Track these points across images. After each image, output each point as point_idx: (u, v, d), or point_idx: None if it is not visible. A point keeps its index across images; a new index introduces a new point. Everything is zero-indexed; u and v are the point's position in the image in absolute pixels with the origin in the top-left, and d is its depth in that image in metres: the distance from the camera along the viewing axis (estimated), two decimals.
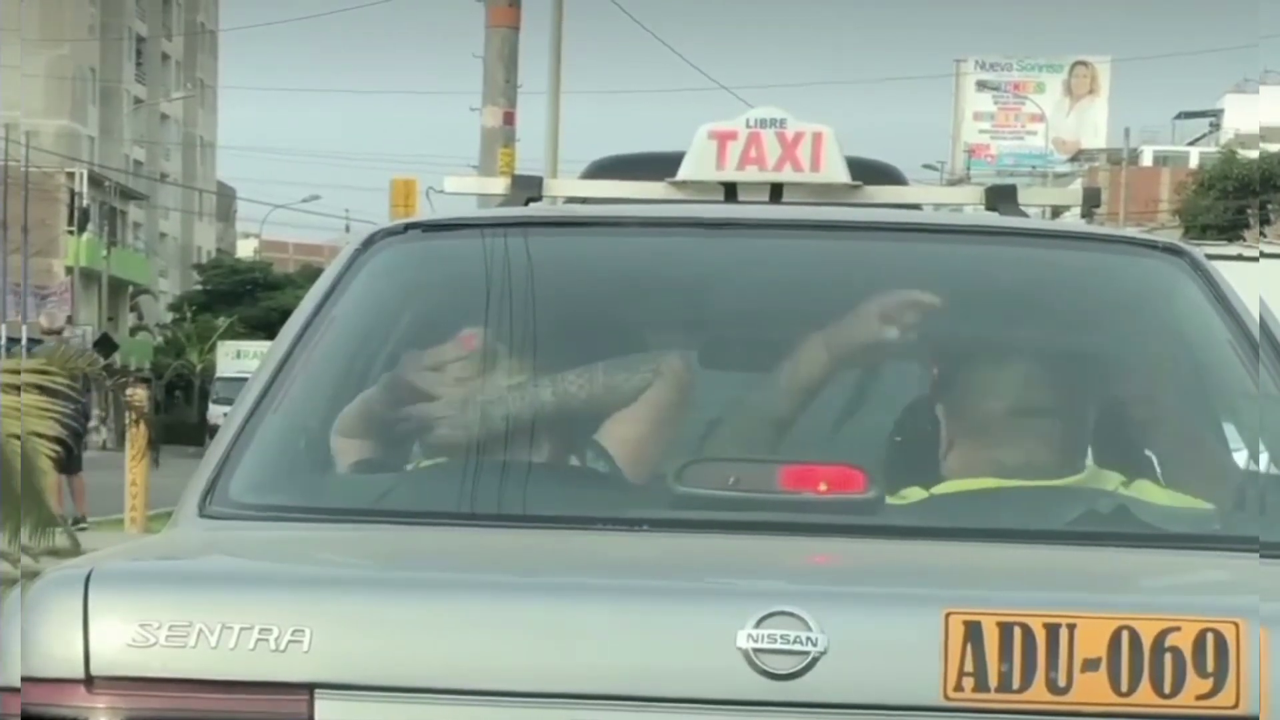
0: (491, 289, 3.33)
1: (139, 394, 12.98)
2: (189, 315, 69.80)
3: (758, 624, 2.33)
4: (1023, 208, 3.89)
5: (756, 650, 2.33)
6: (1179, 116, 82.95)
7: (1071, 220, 4.52)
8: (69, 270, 63.31)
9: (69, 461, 14.61)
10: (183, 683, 2.37)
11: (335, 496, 3.12)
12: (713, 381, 3.44)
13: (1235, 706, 2.32)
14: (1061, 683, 2.33)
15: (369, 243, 3.42)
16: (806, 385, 3.21)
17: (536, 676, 2.36)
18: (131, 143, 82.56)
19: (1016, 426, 3.17)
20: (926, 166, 66.68)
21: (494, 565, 2.70)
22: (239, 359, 50.29)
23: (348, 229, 59.20)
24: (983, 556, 2.80)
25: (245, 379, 3.48)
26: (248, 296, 69.73)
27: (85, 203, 66.78)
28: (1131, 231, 4.32)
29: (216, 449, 3.02)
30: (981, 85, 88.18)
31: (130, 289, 75.24)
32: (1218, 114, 77.68)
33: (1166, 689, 2.32)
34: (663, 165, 3.86)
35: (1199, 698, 2.32)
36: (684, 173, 3.79)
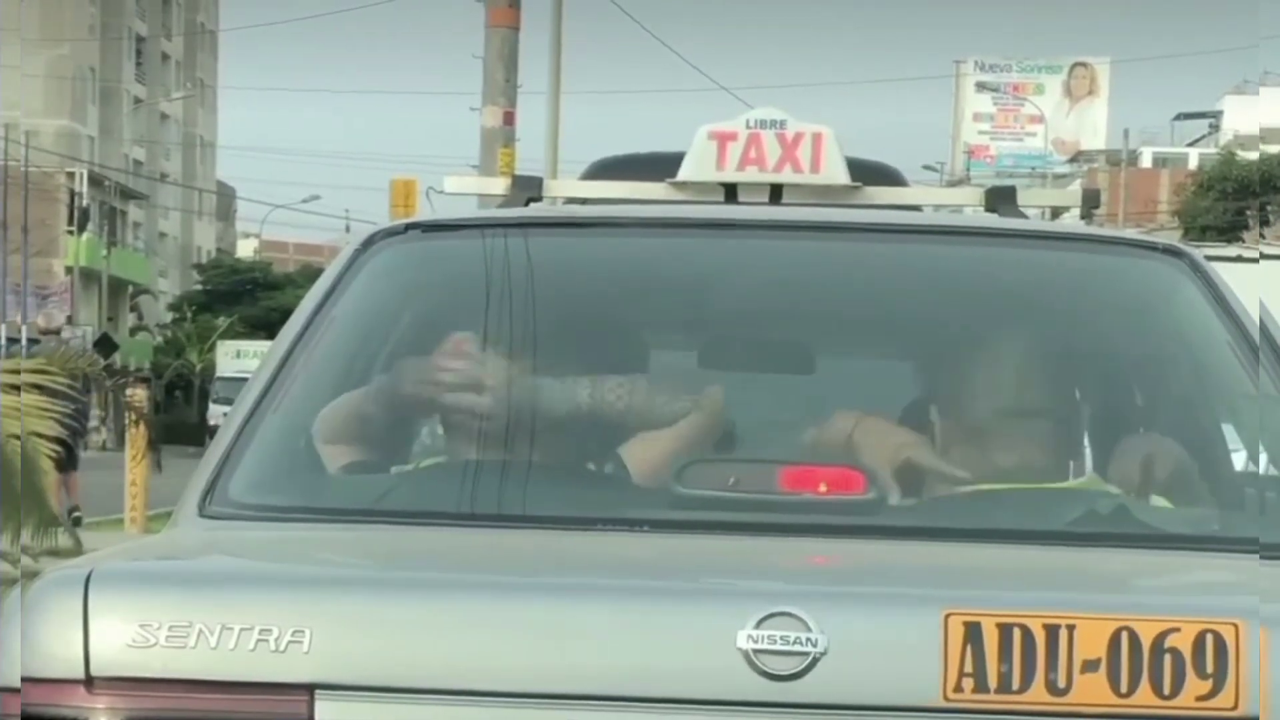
0: (491, 289, 3.33)
1: (139, 394, 12.98)
2: (189, 315, 69.82)
3: (758, 624, 2.33)
4: (1022, 209, 3.89)
5: (756, 651, 2.33)
6: (1178, 118, 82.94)
7: (1071, 222, 4.52)
8: (69, 270, 63.32)
9: (66, 461, 14.62)
10: (183, 683, 2.37)
11: (335, 497, 3.12)
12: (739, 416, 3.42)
13: (1235, 708, 2.32)
14: (1061, 684, 2.33)
15: (369, 243, 3.42)
16: (824, 450, 3.21)
17: (536, 676, 2.36)
18: (131, 143, 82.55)
19: (1015, 428, 3.17)
20: (926, 167, 66.72)
21: (494, 565, 2.70)
22: (239, 359, 50.32)
23: (348, 229, 59.19)
24: (983, 557, 2.80)
25: (245, 379, 3.48)
26: (248, 296, 69.74)
27: (85, 203, 66.78)
28: (1131, 233, 4.31)
29: (216, 449, 3.01)
30: (981, 86, 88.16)
31: (130, 289, 75.26)
32: (1217, 115, 77.68)
33: (1166, 690, 2.32)
34: (663, 166, 3.86)
35: (1199, 699, 2.32)
36: (684, 173, 3.79)
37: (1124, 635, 2.34)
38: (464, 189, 4.40)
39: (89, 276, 65.58)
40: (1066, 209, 4.51)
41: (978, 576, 2.67)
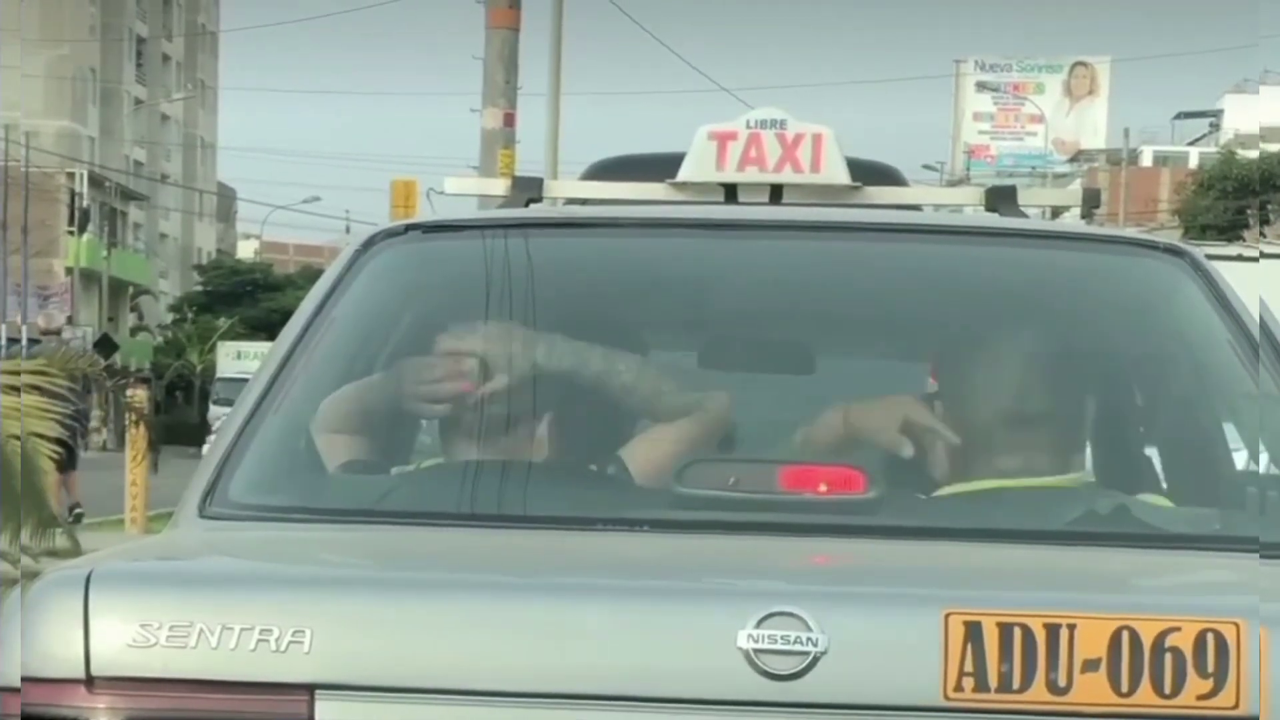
0: (492, 290, 3.33)
1: (139, 395, 12.98)
2: (189, 316, 69.86)
3: (758, 624, 2.33)
4: (1022, 208, 3.89)
5: (757, 650, 2.33)
6: (1178, 117, 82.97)
7: (1071, 221, 4.52)
8: (69, 271, 63.35)
9: (66, 461, 14.62)
10: (183, 683, 2.37)
11: (335, 497, 3.12)
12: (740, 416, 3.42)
13: (1235, 707, 2.32)
14: (1061, 683, 2.33)
15: (369, 244, 3.42)
16: (820, 448, 3.22)
17: (536, 676, 2.36)
18: (132, 143, 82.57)
19: (1016, 428, 3.17)
20: (926, 167, 66.77)
21: (494, 565, 2.70)
22: (239, 360, 50.28)
23: (348, 230, 59.23)
24: (983, 556, 2.80)
25: (246, 380, 3.48)
26: (248, 297, 69.76)
27: (85, 203, 66.82)
28: (1131, 232, 4.31)
29: (217, 449, 3.02)
30: (981, 86, 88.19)
31: (130, 290, 75.27)
32: (1217, 114, 77.69)
33: (1167, 689, 2.32)
34: (663, 166, 3.86)
35: (1199, 698, 2.32)
36: (684, 174, 3.79)
37: (1124, 635, 2.34)
38: (464, 190, 4.39)
39: (89, 277, 65.60)
40: (1067, 208, 4.51)
41: (978, 576, 2.67)
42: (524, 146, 22.43)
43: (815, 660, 2.32)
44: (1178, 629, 2.34)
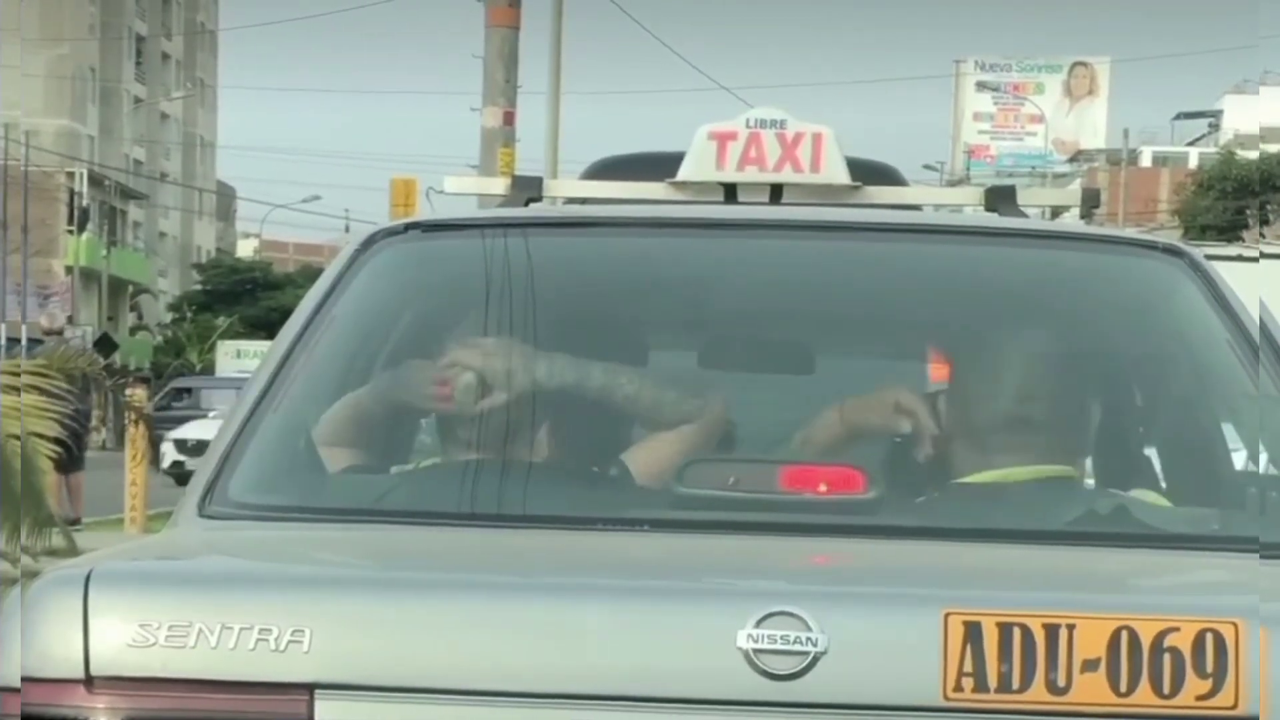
0: (491, 289, 3.33)
1: (138, 394, 13.00)
2: (189, 315, 69.87)
3: (758, 624, 2.33)
4: (1022, 208, 3.89)
5: (756, 650, 2.33)
6: (1178, 117, 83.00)
7: (1071, 221, 4.52)
8: (69, 270, 63.36)
9: (68, 461, 14.62)
10: (183, 683, 2.37)
11: (335, 496, 3.11)
12: (740, 416, 3.43)
13: (1235, 707, 2.32)
14: (1061, 683, 2.33)
15: (369, 242, 3.42)
16: (818, 448, 3.22)
17: (537, 676, 2.36)
18: (131, 142, 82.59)
19: (1014, 428, 3.17)
20: (926, 167, 66.83)
21: (494, 565, 2.70)
22: (239, 359, 50.25)
23: (348, 229, 59.24)
24: (983, 556, 2.80)
25: (245, 379, 3.48)
26: (247, 296, 69.79)
27: (85, 202, 66.82)
28: (1131, 232, 4.31)
29: (216, 449, 3.01)
30: (981, 86, 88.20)
31: (130, 289, 75.30)
32: (1217, 114, 77.72)
33: (1166, 689, 2.32)
34: (663, 166, 3.86)
35: (1198, 698, 2.32)
36: (684, 173, 3.79)
37: (1124, 635, 2.34)
38: (464, 189, 4.39)
39: (89, 276, 65.60)
40: (1066, 208, 4.51)
41: (978, 576, 2.67)
42: (524, 145, 22.45)
43: (815, 660, 2.32)
44: (1177, 629, 2.34)
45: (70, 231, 64.24)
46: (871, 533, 2.85)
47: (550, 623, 2.39)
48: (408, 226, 3.53)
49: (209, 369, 56.42)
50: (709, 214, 3.64)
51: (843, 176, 3.77)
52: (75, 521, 15.47)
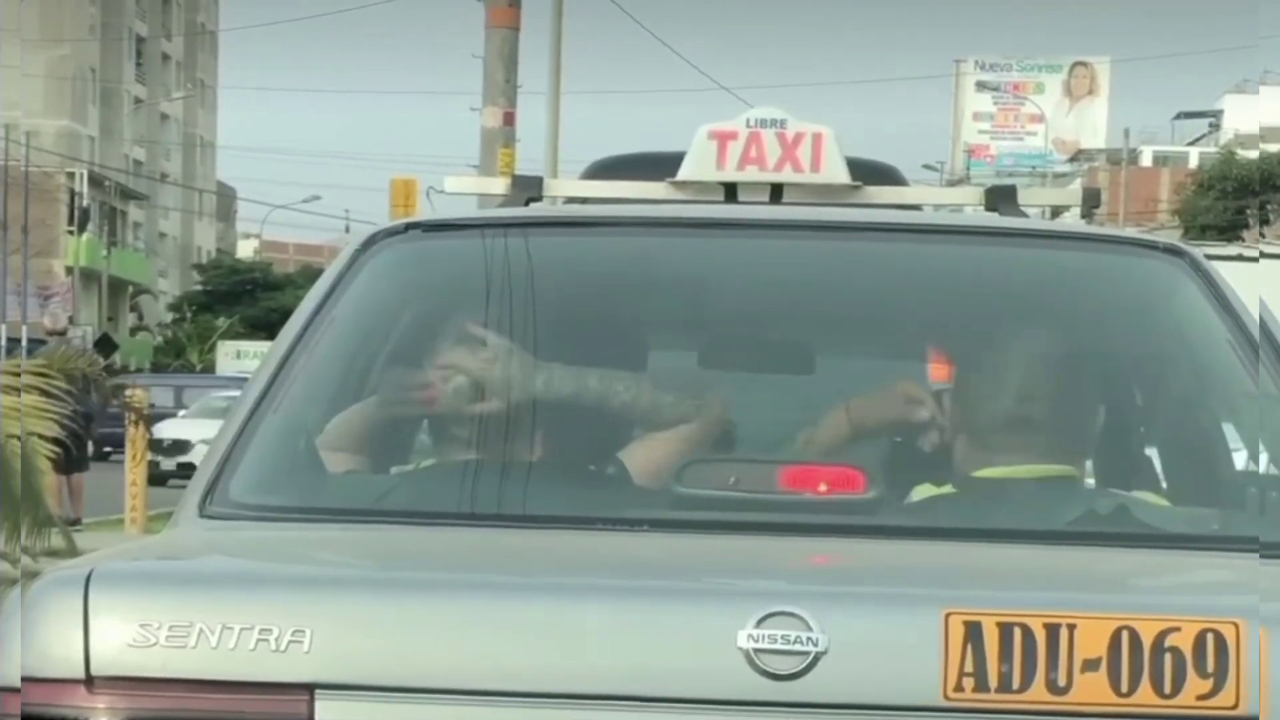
0: (492, 289, 3.33)
1: (138, 394, 12.99)
2: (189, 315, 69.90)
3: (758, 624, 2.33)
4: (1022, 208, 3.89)
5: (757, 650, 2.32)
6: (1178, 117, 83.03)
7: (1071, 221, 4.52)
8: (69, 270, 63.36)
9: (68, 462, 14.62)
10: (183, 683, 2.36)
11: (335, 497, 3.11)
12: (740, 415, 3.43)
13: (1235, 707, 2.32)
14: (1061, 683, 2.33)
15: (369, 243, 3.42)
16: (824, 448, 3.22)
17: (537, 676, 2.36)
18: (131, 143, 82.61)
19: (1014, 427, 3.17)
20: (926, 167, 66.83)
21: (494, 565, 2.70)
22: (239, 359, 50.33)
23: (348, 229, 59.26)
24: (983, 556, 2.80)
25: (245, 379, 3.48)
26: (248, 296, 69.81)
27: (85, 203, 66.85)
28: (1131, 232, 4.31)
29: (217, 449, 3.01)
30: (981, 86, 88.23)
31: (130, 289, 75.33)
32: (1217, 114, 77.74)
33: (1166, 689, 2.32)
34: (663, 165, 3.86)
35: (1199, 698, 2.32)
36: (684, 173, 3.79)
37: (1124, 635, 2.34)
38: (464, 189, 4.39)
39: (89, 277, 65.62)
40: (1067, 208, 4.51)
41: (978, 576, 2.67)
42: (524, 145, 22.47)
43: (815, 660, 2.32)
44: (1177, 629, 2.34)
45: (70, 232, 64.26)
46: (872, 532, 2.85)
47: (550, 623, 2.39)
48: (408, 227, 3.52)
49: (209, 369, 56.45)
50: (709, 214, 3.64)
51: (843, 176, 3.77)
52: (76, 522, 15.48)
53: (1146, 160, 75.92)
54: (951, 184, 31.23)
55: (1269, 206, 48.68)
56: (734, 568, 2.69)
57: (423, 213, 16.35)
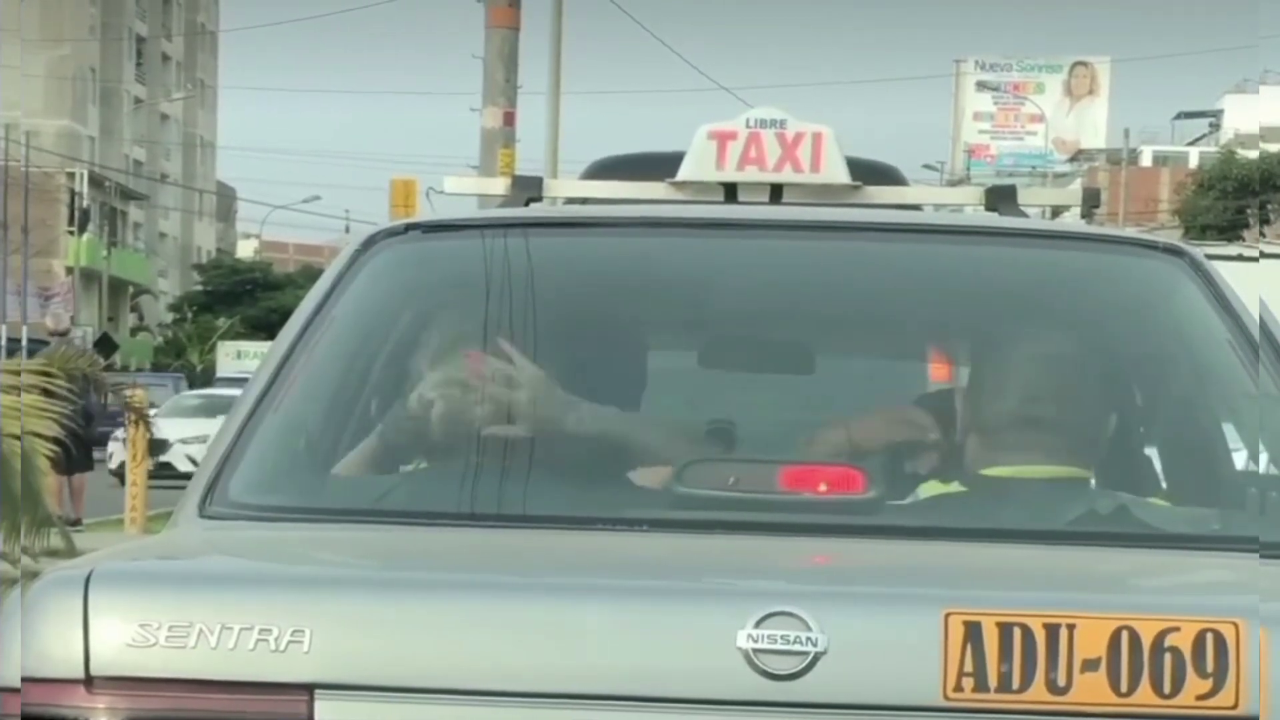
0: (492, 289, 3.33)
1: (139, 394, 12.99)
2: (189, 315, 69.92)
3: (758, 624, 2.33)
4: (1023, 208, 3.89)
5: (756, 650, 2.32)
6: (1178, 117, 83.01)
7: (1071, 220, 4.52)
8: (69, 270, 63.35)
9: (69, 462, 14.63)
10: (183, 683, 2.36)
11: (335, 497, 3.11)
12: (740, 415, 3.43)
13: (1235, 707, 2.32)
14: (1061, 683, 2.33)
15: (369, 243, 3.42)
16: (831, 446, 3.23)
17: (537, 676, 2.36)
18: (131, 143, 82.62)
19: (1014, 427, 3.17)
20: (926, 167, 66.84)
21: (494, 565, 2.70)
22: (239, 359, 50.28)
23: (348, 229, 59.25)
24: (983, 556, 2.80)
25: (246, 379, 3.48)
26: (248, 297, 69.82)
27: (85, 203, 66.87)
28: (1131, 232, 4.31)
29: (217, 449, 3.01)
30: (981, 85, 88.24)
31: (130, 289, 75.34)
32: (1217, 114, 77.73)
33: (1166, 689, 2.32)
34: (663, 165, 3.86)
35: (1199, 698, 2.32)
36: (684, 173, 3.79)
37: (1124, 634, 2.34)
38: (464, 189, 4.39)
39: (89, 277, 65.63)
40: (1067, 208, 4.51)
41: (978, 576, 2.67)
42: (524, 145, 22.48)
43: (815, 660, 2.32)
44: (1177, 629, 2.34)
45: (71, 232, 64.28)
46: (871, 533, 2.85)
47: (550, 623, 2.39)
48: (408, 227, 3.52)
49: (210, 370, 56.43)
50: (709, 214, 3.64)
51: (843, 176, 3.77)
52: (76, 522, 15.49)
53: (1146, 160, 75.92)
54: (951, 184, 31.21)
55: (1269, 206, 48.67)
56: (734, 568, 2.69)
57: (422, 213, 16.36)
